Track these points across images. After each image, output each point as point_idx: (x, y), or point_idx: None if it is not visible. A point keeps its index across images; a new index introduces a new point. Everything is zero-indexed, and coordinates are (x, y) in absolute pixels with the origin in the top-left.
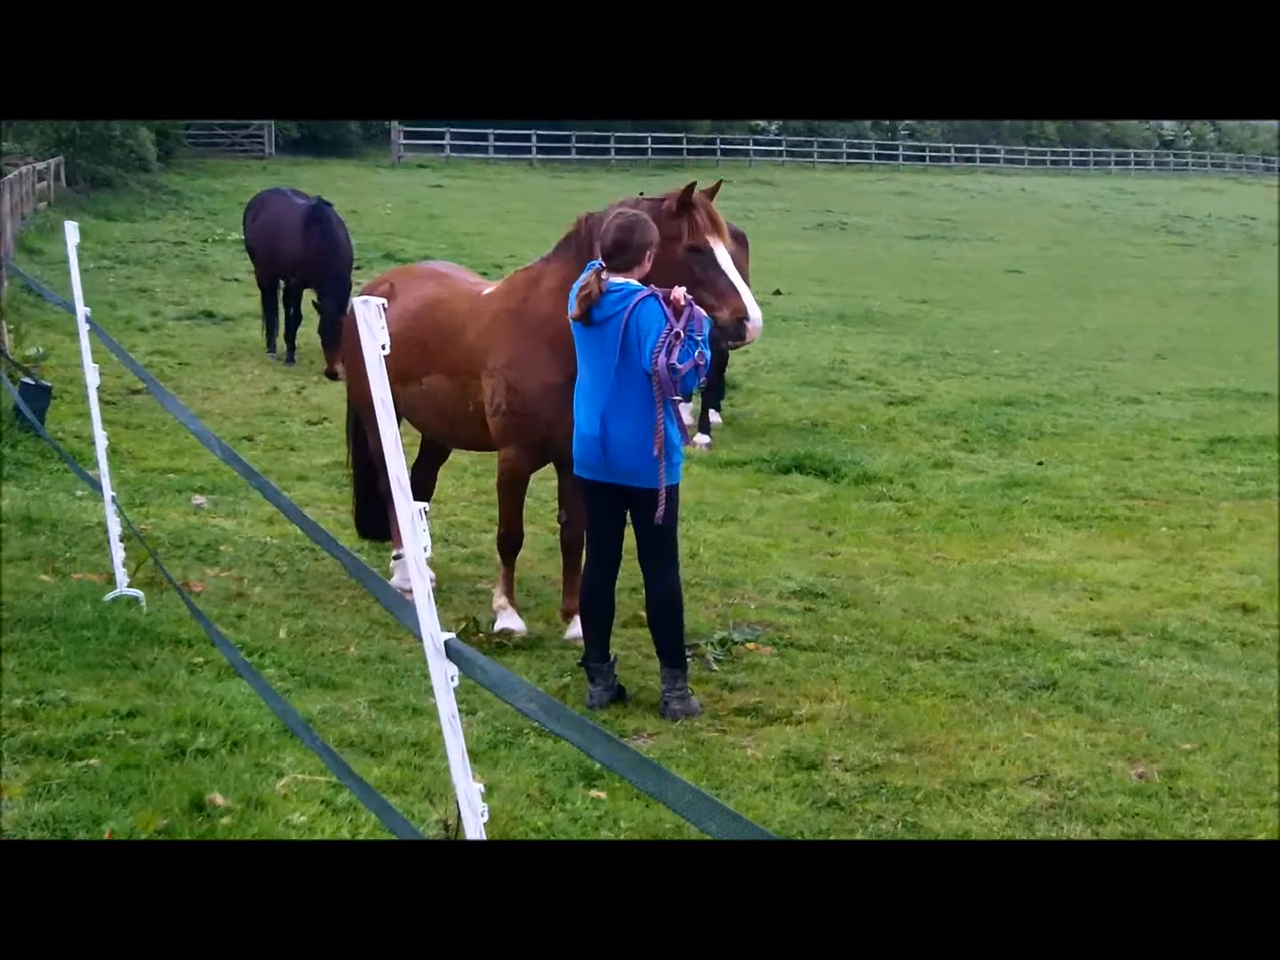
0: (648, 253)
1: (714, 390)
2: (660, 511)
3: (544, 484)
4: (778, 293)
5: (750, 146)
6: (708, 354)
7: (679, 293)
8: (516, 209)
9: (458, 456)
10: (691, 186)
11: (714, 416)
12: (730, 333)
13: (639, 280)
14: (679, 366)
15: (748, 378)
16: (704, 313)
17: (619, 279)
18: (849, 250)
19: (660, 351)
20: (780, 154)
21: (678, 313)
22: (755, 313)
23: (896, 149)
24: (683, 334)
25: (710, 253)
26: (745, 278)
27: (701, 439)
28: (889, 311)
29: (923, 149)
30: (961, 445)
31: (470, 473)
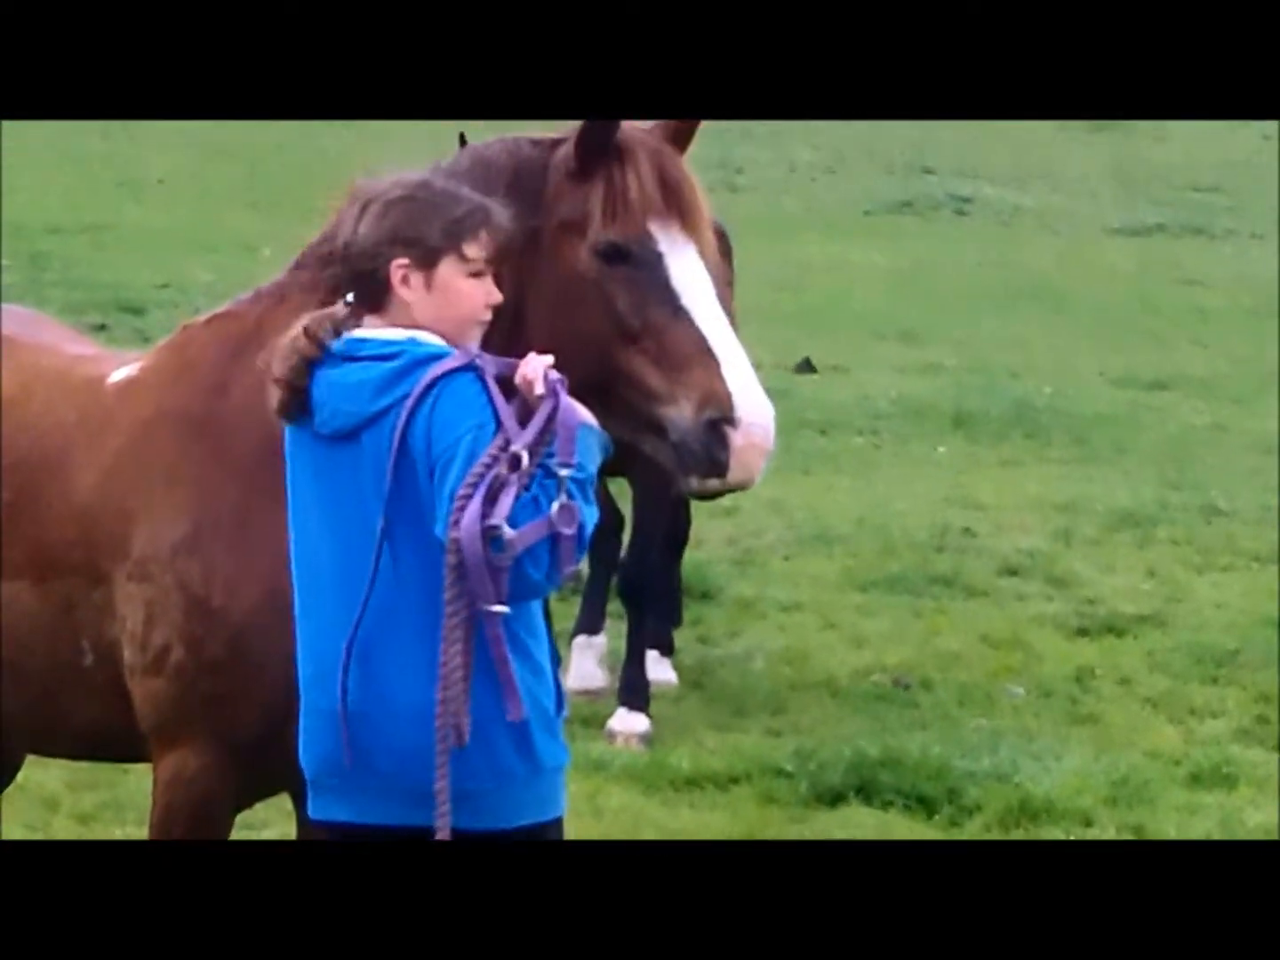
0: (397, 263)
1: (650, 591)
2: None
3: None
4: (808, 365)
5: None
6: (585, 511)
7: (533, 366)
8: (181, 159)
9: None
10: (610, 121)
11: (659, 666)
12: (695, 455)
13: (434, 330)
14: (507, 534)
15: (741, 565)
16: (586, 413)
17: (381, 327)
18: (977, 260)
19: (470, 497)
20: None
21: (524, 406)
22: (755, 407)
23: None
24: (526, 459)
25: (657, 262)
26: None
27: (629, 723)
28: (1070, 408)
29: None
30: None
31: None
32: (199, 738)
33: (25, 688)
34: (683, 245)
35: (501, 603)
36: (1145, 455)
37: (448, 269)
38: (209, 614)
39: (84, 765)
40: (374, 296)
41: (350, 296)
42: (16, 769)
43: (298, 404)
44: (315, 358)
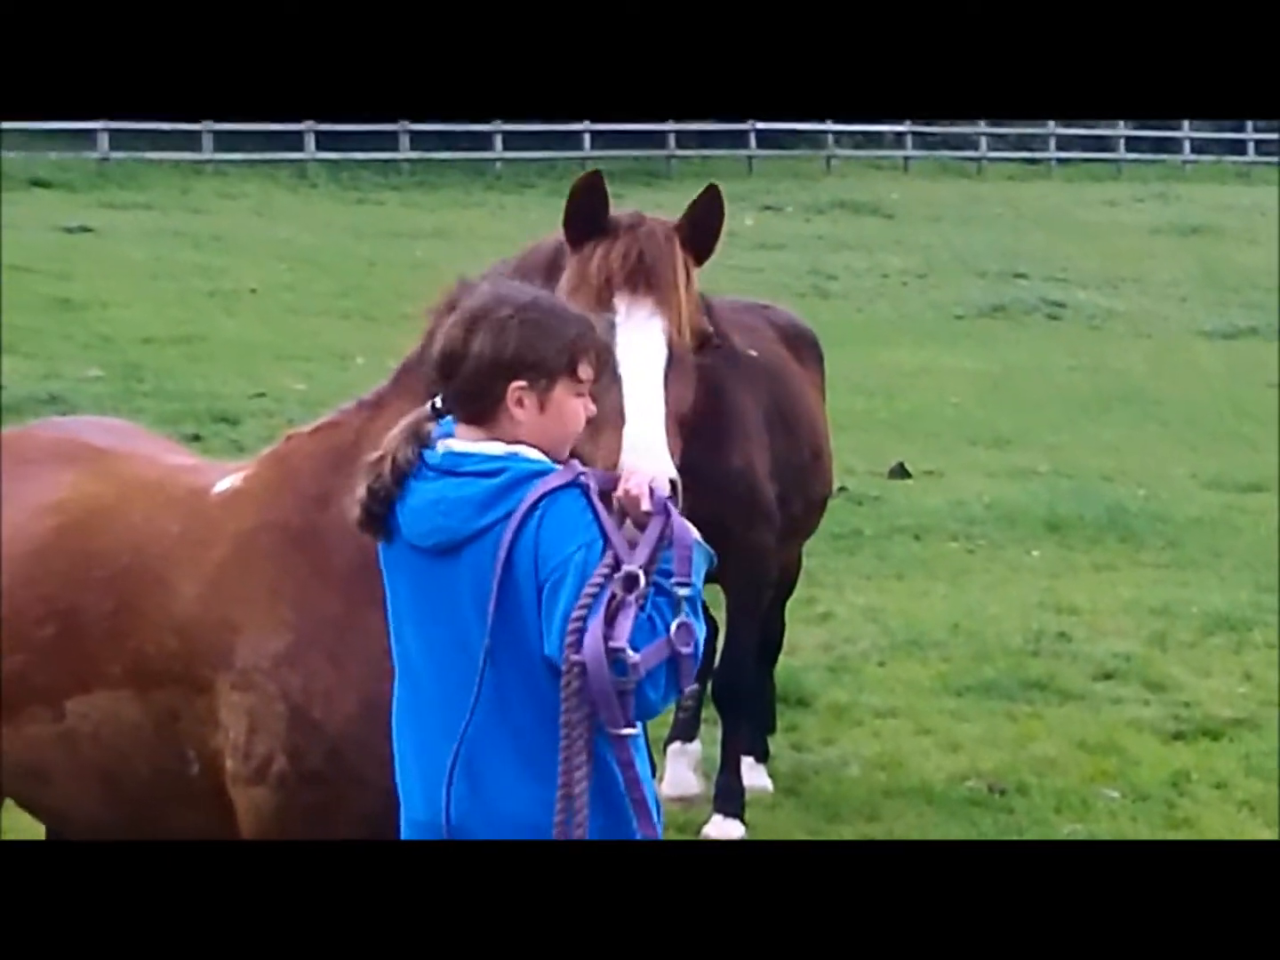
0: (516, 385)
1: (745, 697)
2: None
3: None
4: (901, 471)
5: (828, 128)
6: (700, 628)
7: (636, 481)
8: (273, 272)
9: None
10: (592, 176)
11: (754, 773)
12: None
13: (534, 445)
14: (631, 657)
15: (835, 671)
16: (689, 528)
17: (477, 439)
18: (1068, 364)
19: (588, 618)
20: (897, 141)
21: (624, 519)
22: (638, 458)
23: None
24: (643, 580)
25: (608, 331)
26: (807, 421)
27: (725, 830)
28: (1163, 512)
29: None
30: None
31: None
32: None
33: (126, 798)
34: (644, 319)
35: (629, 725)
36: (1239, 558)
37: (561, 390)
38: (309, 725)
39: None
40: (482, 412)
41: (438, 403)
42: None
43: (380, 520)
44: (408, 473)
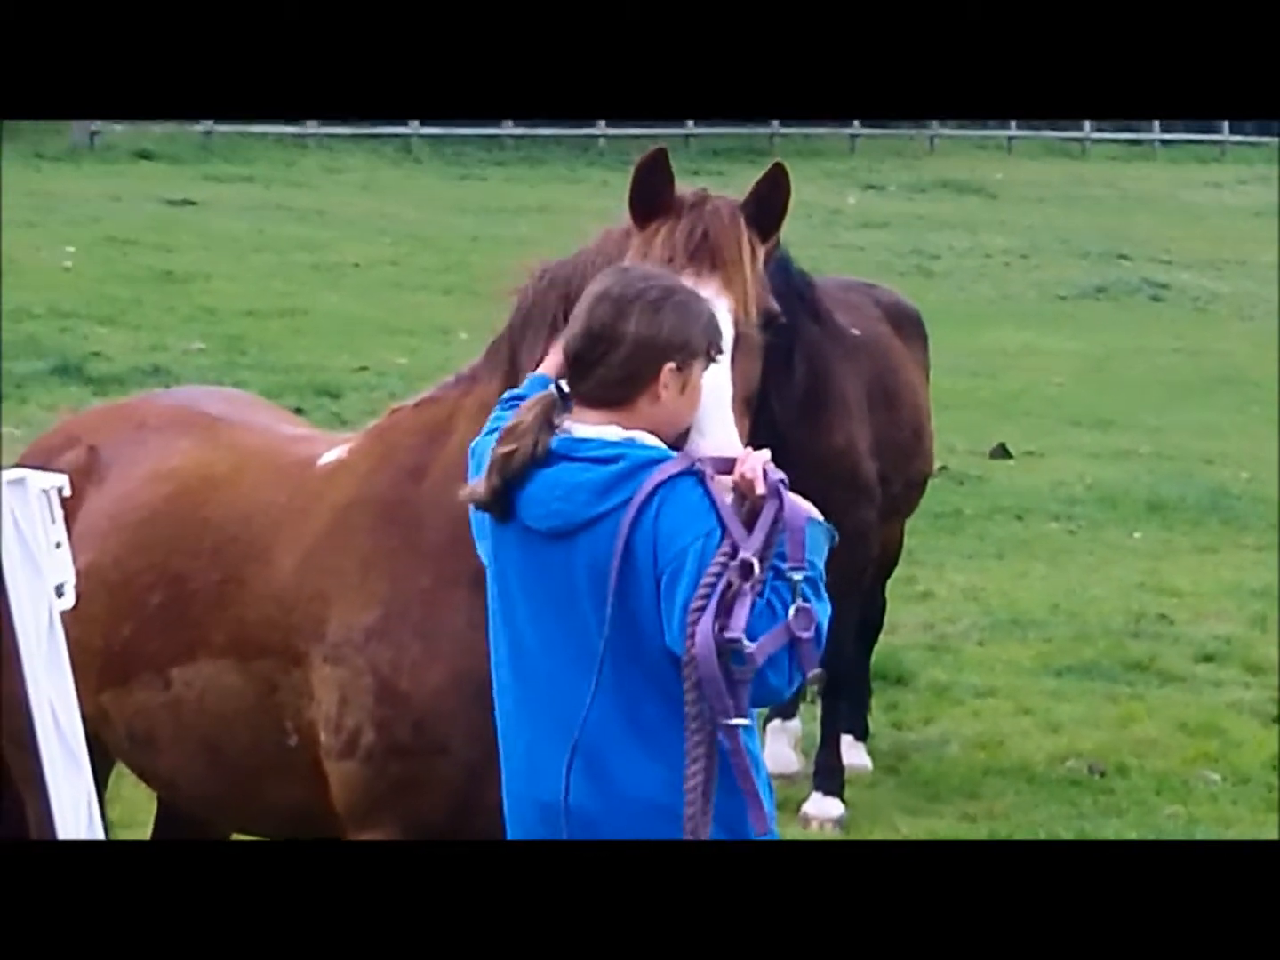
0: (665, 368)
1: (845, 676)
2: None
3: None
4: (1003, 451)
5: None
6: (823, 611)
7: (751, 465)
8: (376, 247)
9: None
10: (656, 153)
11: (853, 751)
12: None
13: (649, 430)
14: (748, 647)
15: (935, 651)
16: (808, 506)
17: (599, 424)
18: (1171, 346)
19: (704, 611)
20: (1001, 121)
21: (750, 510)
22: (705, 440)
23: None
24: (758, 567)
25: None
26: (909, 400)
27: (824, 808)
28: (1265, 494)
29: None
30: None
31: None
32: (388, 822)
33: (228, 767)
34: (709, 298)
35: (742, 715)
36: None
37: (698, 371)
38: (396, 697)
39: None
40: (627, 395)
41: (564, 386)
42: None
43: (506, 500)
44: (546, 450)
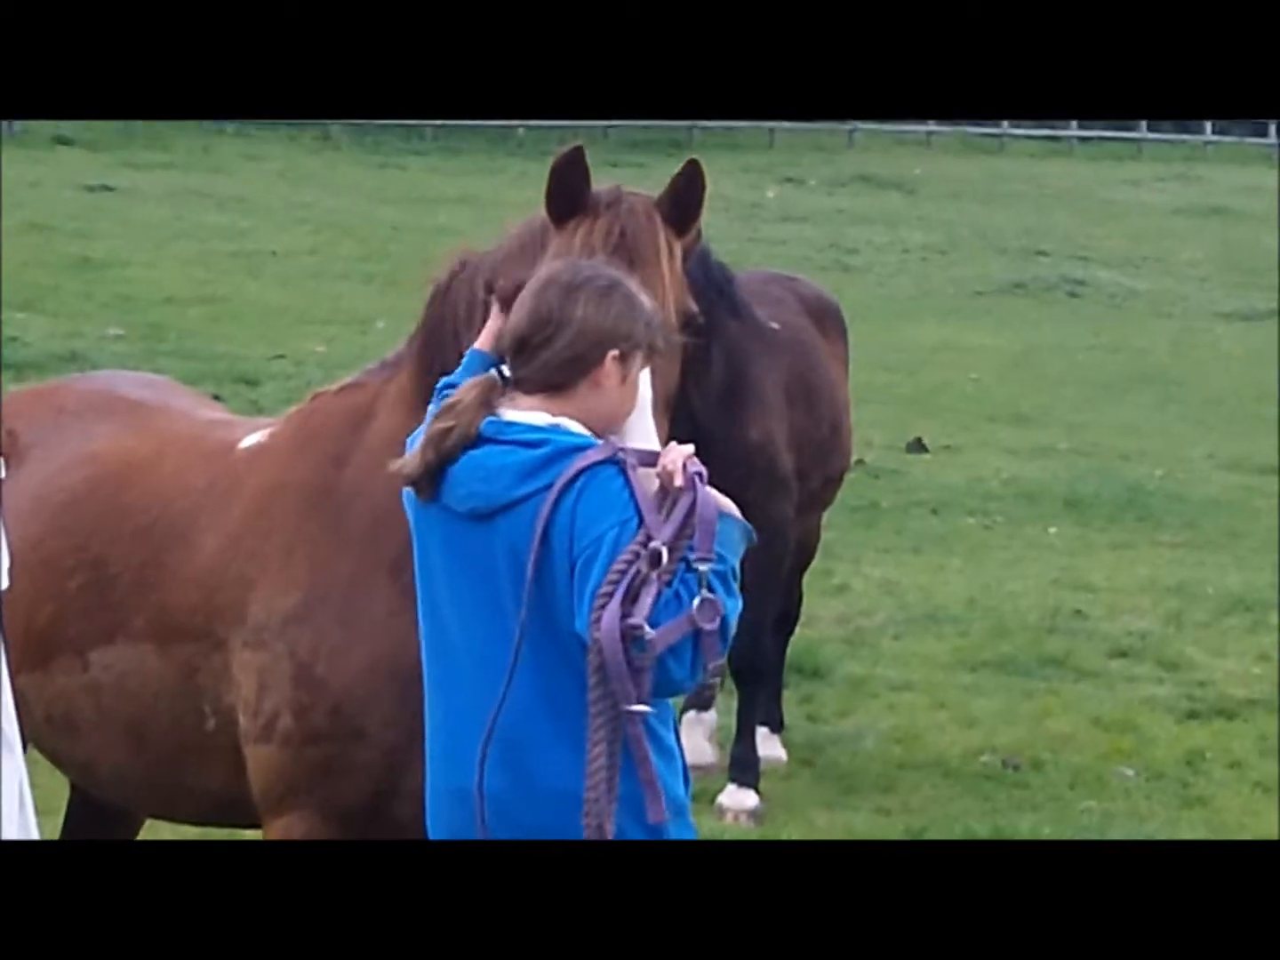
0: (609, 355)
1: (762, 668)
2: None
3: None
4: (919, 446)
5: None
6: (731, 606)
7: (673, 457)
8: (296, 235)
9: None
10: (572, 151)
11: (769, 743)
12: None
13: (582, 419)
14: (648, 634)
15: (852, 644)
16: (726, 502)
17: (530, 409)
18: (1089, 343)
19: (611, 598)
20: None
21: (665, 496)
22: (621, 439)
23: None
24: (667, 556)
25: None
26: (827, 395)
27: (739, 799)
28: (1181, 492)
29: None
30: None
31: None
32: (305, 807)
33: (148, 752)
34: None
35: (643, 702)
36: (1257, 540)
37: (638, 365)
38: (314, 683)
39: None
40: (568, 381)
41: (505, 371)
42: (135, 831)
43: (436, 480)
44: (476, 435)
